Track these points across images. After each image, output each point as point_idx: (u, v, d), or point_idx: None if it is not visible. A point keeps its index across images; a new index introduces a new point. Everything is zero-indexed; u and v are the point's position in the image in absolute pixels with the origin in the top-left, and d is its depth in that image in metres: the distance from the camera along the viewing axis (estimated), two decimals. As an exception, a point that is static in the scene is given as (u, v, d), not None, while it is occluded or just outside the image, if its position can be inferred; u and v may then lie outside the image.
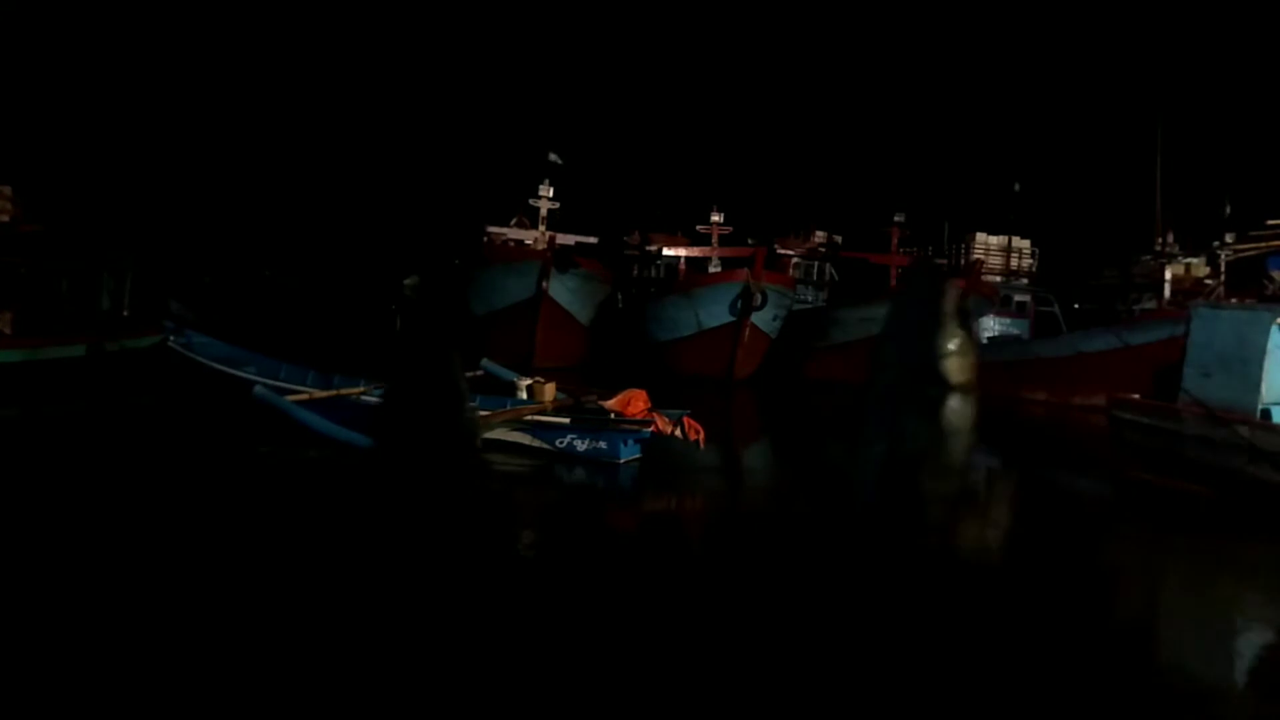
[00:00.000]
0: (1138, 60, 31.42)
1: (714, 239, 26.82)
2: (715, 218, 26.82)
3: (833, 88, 38.23)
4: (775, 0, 42.83)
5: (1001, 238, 28.44)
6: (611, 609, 5.28)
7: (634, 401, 9.74)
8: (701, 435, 9.71)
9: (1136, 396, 10.69)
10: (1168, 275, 22.80)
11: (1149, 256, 23.94)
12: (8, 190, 15.95)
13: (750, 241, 26.40)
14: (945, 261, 28.02)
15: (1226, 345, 9.51)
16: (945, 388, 3.03)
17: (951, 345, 3.08)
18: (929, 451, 3.23)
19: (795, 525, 7.98)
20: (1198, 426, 9.34)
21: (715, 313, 22.43)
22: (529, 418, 9.98)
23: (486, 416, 9.89)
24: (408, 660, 4.26)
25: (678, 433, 9.60)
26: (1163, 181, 24.04)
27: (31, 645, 4.25)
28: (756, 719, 4.02)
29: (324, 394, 10.45)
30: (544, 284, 22.25)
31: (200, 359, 12.33)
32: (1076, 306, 27.47)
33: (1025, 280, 28.20)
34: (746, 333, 22.22)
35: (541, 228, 25.65)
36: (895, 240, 27.45)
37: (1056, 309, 27.22)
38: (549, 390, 10.72)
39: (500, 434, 9.93)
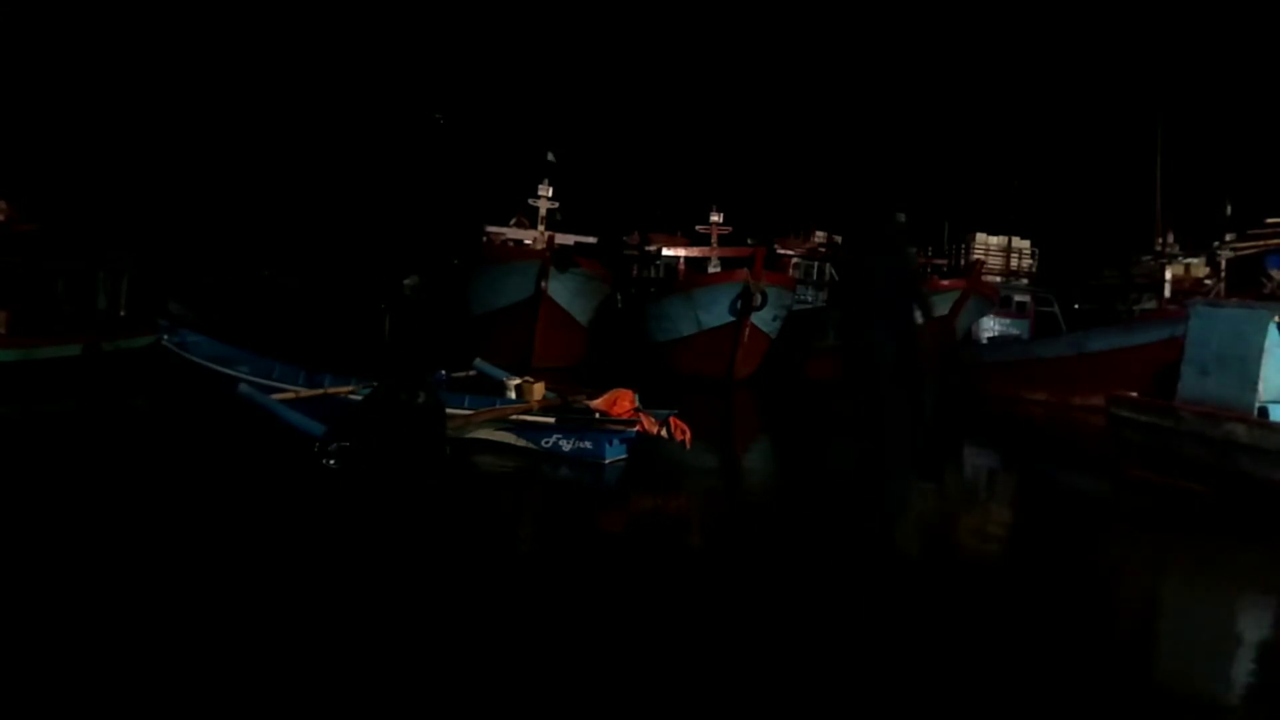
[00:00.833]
0: (1138, 60, 31.34)
1: (714, 239, 26.72)
2: (715, 218, 26.73)
3: (833, 88, 38.18)
4: (775, 0, 42.75)
5: (1001, 238, 28.38)
6: (595, 607, 5.23)
7: (620, 401, 9.65)
8: (688, 435, 9.53)
9: (1135, 395, 10.65)
10: (1168, 275, 22.74)
11: (1149, 257, 23.86)
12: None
13: (750, 241, 26.31)
14: (945, 261, 28.01)
15: (1224, 343, 9.47)
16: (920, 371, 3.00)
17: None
18: (929, 451, 3.21)
19: (787, 524, 7.94)
20: (1195, 425, 9.31)
21: (715, 313, 22.34)
22: (515, 417, 9.92)
23: (470, 416, 9.85)
24: (404, 660, 4.22)
25: (664, 433, 9.47)
26: (1163, 181, 23.97)
27: (31, 645, 4.22)
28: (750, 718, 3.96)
29: (310, 393, 10.40)
30: (543, 284, 22.17)
31: (194, 358, 12.32)
32: (1076, 307, 27.41)
33: (1025, 280, 28.15)
34: (746, 333, 22.15)
35: (541, 227, 25.60)
36: (895, 240, 27.35)
37: (1056, 309, 27.17)
38: (537, 390, 10.64)
39: (486, 434, 9.87)
